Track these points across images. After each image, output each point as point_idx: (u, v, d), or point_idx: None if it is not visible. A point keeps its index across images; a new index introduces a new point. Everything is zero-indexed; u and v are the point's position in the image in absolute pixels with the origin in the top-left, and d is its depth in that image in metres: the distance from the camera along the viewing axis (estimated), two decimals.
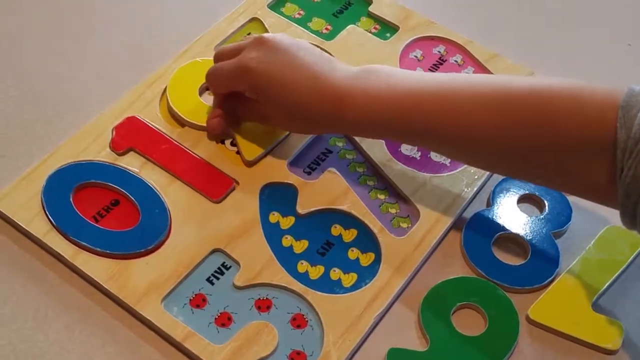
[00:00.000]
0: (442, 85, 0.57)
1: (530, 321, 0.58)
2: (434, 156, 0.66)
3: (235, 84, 0.63)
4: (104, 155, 0.63)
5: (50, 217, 0.59)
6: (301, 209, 0.62)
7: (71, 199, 0.60)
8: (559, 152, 0.53)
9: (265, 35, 0.62)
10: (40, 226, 0.58)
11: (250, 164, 0.64)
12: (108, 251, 0.57)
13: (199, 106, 0.67)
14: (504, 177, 0.65)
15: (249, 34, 0.74)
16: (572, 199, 0.64)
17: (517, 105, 0.54)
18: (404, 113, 0.57)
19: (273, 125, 0.64)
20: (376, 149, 0.66)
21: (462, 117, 0.55)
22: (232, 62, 0.62)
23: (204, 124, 0.65)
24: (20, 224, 0.59)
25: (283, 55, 0.60)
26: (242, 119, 0.65)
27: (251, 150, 0.64)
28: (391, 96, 0.57)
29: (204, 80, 0.66)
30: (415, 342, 0.57)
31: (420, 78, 0.59)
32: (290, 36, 0.62)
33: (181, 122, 0.66)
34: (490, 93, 0.55)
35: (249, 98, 0.63)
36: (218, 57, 0.65)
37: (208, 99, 0.68)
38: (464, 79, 0.60)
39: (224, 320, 0.56)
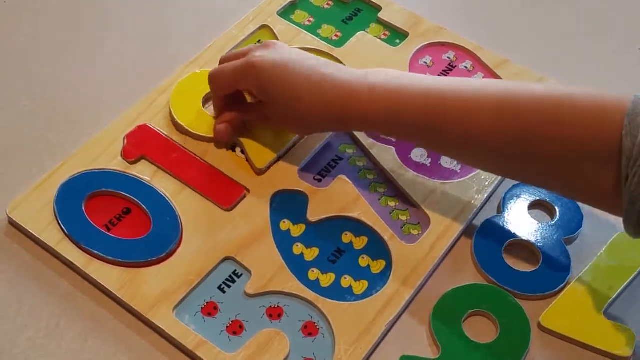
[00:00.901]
0: (453, 87, 0.57)
1: (541, 328, 0.58)
2: (445, 163, 0.66)
3: (240, 82, 0.62)
4: (116, 163, 0.63)
5: (62, 226, 0.59)
6: (312, 217, 0.62)
7: (83, 208, 0.60)
8: (566, 159, 0.53)
9: (273, 40, 0.63)
10: (53, 235, 0.59)
11: (260, 172, 0.64)
12: (120, 260, 0.58)
13: (203, 117, 0.67)
14: (515, 183, 0.65)
15: (259, 41, 0.74)
16: (583, 205, 0.63)
17: (526, 110, 0.54)
18: (413, 111, 0.57)
19: (278, 126, 0.65)
20: (386, 156, 0.66)
21: (473, 119, 0.55)
22: (237, 61, 0.62)
23: (209, 135, 0.65)
24: (33, 232, 0.59)
25: (289, 55, 0.61)
26: (248, 123, 0.65)
27: (261, 158, 0.65)
28: (401, 93, 0.57)
29: (206, 91, 0.66)
30: (426, 349, 0.57)
31: (433, 80, 0.59)
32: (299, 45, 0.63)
33: (186, 134, 0.66)
34: (498, 98, 0.55)
35: (251, 103, 0.64)
36: (223, 61, 0.65)
37: (212, 111, 0.68)
38: (478, 82, 0.60)
39: (235, 329, 0.56)
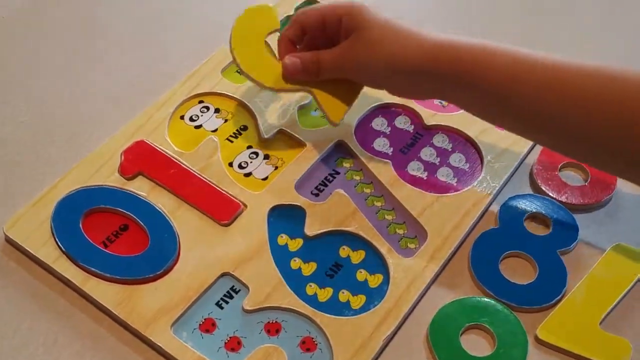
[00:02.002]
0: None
1: (539, 341, 0.58)
2: (441, 176, 0.67)
3: (332, 9, 0.61)
4: (113, 179, 0.64)
5: (59, 244, 0.59)
6: (309, 231, 0.62)
7: (80, 225, 0.60)
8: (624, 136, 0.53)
9: None
10: (50, 252, 0.59)
11: (336, 125, 0.64)
12: (117, 277, 0.58)
13: (269, 63, 0.65)
14: (510, 195, 0.65)
15: None
16: (578, 217, 0.64)
17: (585, 84, 0.54)
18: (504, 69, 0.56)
19: (353, 69, 0.62)
20: (383, 169, 0.67)
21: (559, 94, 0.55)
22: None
23: (277, 85, 0.64)
24: (30, 250, 0.59)
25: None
26: (323, 64, 0.62)
27: (336, 110, 0.64)
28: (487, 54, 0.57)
29: (270, 28, 0.66)
30: None
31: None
32: None
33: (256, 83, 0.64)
34: (567, 69, 0.55)
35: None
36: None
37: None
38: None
39: (233, 345, 0.56)
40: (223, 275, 0.59)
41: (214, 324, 0.57)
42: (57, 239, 0.59)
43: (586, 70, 0.55)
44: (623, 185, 0.66)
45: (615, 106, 0.54)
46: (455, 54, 0.58)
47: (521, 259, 0.62)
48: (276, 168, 0.66)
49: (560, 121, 0.55)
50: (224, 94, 0.71)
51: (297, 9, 0.77)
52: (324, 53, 0.62)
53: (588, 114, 0.54)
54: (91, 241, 0.60)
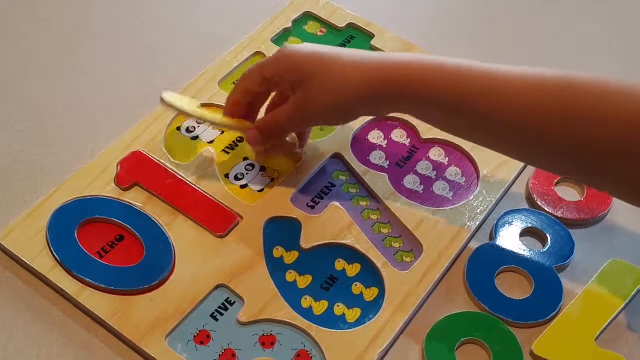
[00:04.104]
0: (488, 69, 0.56)
1: (534, 356, 0.58)
2: (437, 190, 0.67)
3: (273, 72, 0.61)
4: (109, 190, 0.64)
5: (55, 254, 0.59)
6: (305, 244, 0.62)
7: (76, 235, 0.60)
8: (599, 152, 0.52)
9: None
10: (45, 262, 0.59)
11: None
12: (112, 287, 0.58)
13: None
14: (506, 210, 0.65)
15: None
16: (575, 233, 0.64)
17: (553, 93, 0.53)
18: (454, 87, 0.56)
19: (312, 120, 0.63)
20: (379, 182, 0.67)
21: (504, 100, 0.54)
22: (265, 59, 0.63)
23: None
24: (25, 260, 0.59)
25: (320, 47, 0.61)
26: (281, 125, 0.63)
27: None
28: (438, 70, 0.56)
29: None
30: None
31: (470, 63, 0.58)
32: None
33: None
34: (534, 78, 0.54)
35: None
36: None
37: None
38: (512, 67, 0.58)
39: (228, 357, 0.56)
40: (218, 287, 0.59)
41: (208, 336, 0.57)
42: (52, 249, 0.59)
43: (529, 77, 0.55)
44: (619, 201, 0.66)
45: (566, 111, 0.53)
46: (392, 73, 0.58)
47: (517, 274, 0.62)
48: (272, 180, 0.66)
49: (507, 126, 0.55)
50: (220, 105, 0.71)
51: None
52: (280, 114, 0.62)
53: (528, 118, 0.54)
54: (86, 251, 0.59)
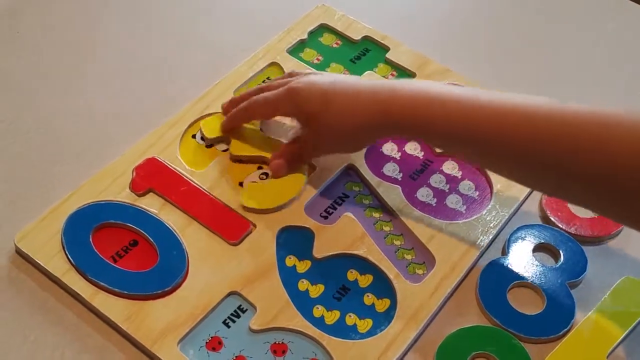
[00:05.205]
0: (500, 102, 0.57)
1: None
2: (450, 203, 0.67)
3: (283, 107, 0.64)
4: (124, 195, 0.64)
5: (69, 257, 0.59)
6: (317, 253, 0.62)
7: (90, 239, 0.60)
8: (625, 189, 0.52)
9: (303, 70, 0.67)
10: (60, 265, 0.59)
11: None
12: (126, 292, 0.58)
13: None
14: (518, 225, 0.65)
15: (268, 78, 0.75)
16: (587, 249, 0.64)
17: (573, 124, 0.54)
18: (449, 117, 0.57)
19: (325, 152, 0.66)
20: (392, 194, 0.67)
21: (507, 129, 0.55)
22: (279, 89, 0.64)
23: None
24: (40, 262, 0.59)
25: (330, 78, 0.64)
26: (304, 157, 0.66)
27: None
28: (438, 99, 0.58)
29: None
30: None
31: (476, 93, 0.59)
32: None
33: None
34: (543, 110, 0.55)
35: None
36: (236, 101, 0.68)
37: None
38: (511, 95, 0.59)
39: None
40: (230, 294, 0.59)
41: (220, 343, 0.57)
42: (67, 252, 0.59)
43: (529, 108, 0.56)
44: None
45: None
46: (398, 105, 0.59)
47: (529, 289, 0.62)
48: None
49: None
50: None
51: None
52: (305, 148, 0.66)
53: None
54: (101, 256, 0.60)
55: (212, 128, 0.69)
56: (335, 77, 0.65)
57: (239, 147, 0.68)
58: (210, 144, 0.69)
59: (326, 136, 0.63)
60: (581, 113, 0.53)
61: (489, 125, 0.56)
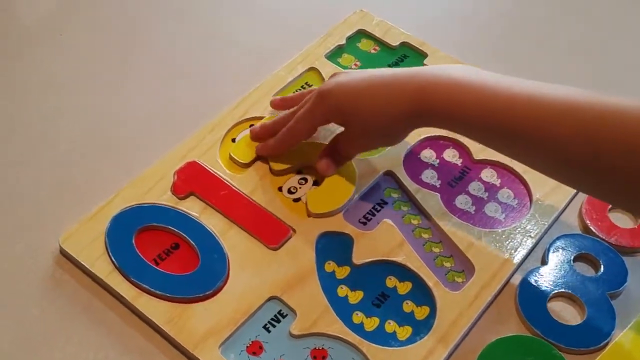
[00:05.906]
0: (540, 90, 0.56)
1: None
2: (489, 211, 0.67)
3: (319, 116, 0.64)
4: (166, 198, 0.64)
5: (113, 259, 0.60)
6: (357, 259, 0.63)
7: (133, 241, 0.61)
8: None
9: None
10: (104, 267, 0.60)
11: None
12: (168, 294, 0.58)
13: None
14: (558, 235, 0.65)
15: (306, 83, 0.76)
16: (627, 260, 0.63)
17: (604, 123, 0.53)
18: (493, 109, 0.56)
19: (365, 148, 0.66)
20: (431, 201, 0.67)
21: (550, 123, 0.54)
22: (310, 100, 0.64)
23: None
24: (84, 264, 0.60)
25: (358, 74, 0.63)
26: (344, 153, 0.66)
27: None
28: (478, 88, 0.57)
29: None
30: None
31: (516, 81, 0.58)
32: None
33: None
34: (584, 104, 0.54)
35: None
36: (260, 133, 0.69)
37: None
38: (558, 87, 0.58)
39: None
40: (271, 298, 0.60)
41: (261, 347, 0.57)
42: (110, 254, 0.60)
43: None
44: None
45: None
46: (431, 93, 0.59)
47: (569, 299, 0.62)
48: None
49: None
50: None
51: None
52: (345, 145, 0.66)
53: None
54: (143, 258, 0.60)
55: (243, 153, 0.69)
56: (362, 73, 0.64)
57: (278, 162, 0.68)
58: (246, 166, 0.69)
59: (363, 131, 0.63)
60: (622, 106, 0.52)
61: (525, 117, 0.55)
